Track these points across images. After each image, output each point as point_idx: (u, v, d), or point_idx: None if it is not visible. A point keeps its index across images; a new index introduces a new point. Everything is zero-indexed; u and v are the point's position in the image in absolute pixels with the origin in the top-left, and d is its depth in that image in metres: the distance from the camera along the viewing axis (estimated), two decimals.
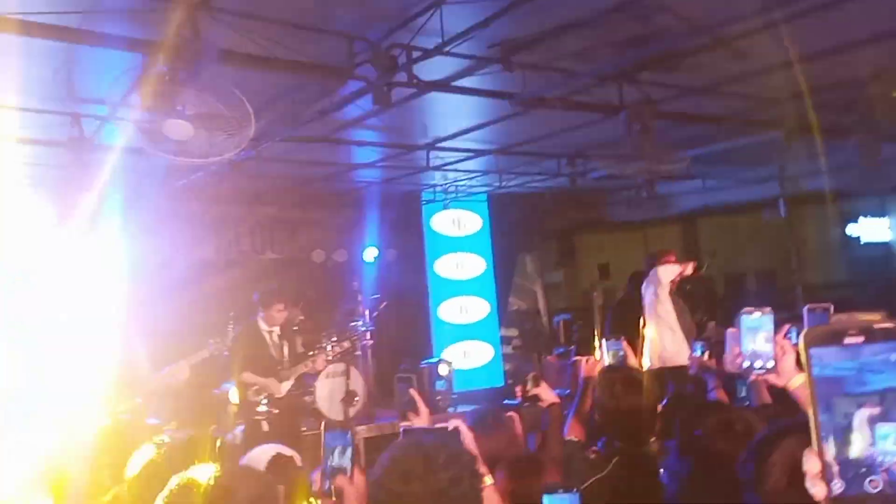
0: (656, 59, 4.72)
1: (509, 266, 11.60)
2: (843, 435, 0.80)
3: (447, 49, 3.97)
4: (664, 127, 5.85)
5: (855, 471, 0.79)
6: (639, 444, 2.57)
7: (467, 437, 2.25)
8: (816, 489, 0.80)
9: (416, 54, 4.11)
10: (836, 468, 0.79)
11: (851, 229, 9.88)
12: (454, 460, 1.75)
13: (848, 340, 0.81)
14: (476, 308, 10.20)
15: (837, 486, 0.79)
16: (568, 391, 8.87)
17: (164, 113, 3.24)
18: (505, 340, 10.91)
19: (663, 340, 6.07)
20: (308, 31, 3.95)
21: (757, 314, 2.19)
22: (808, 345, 0.83)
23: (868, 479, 0.78)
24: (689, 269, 6.25)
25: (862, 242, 9.83)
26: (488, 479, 2.15)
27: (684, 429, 2.26)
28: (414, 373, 8.21)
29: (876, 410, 0.79)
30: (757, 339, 2.17)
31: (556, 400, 3.11)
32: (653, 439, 2.63)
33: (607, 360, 3.28)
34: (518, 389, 3.15)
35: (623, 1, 3.85)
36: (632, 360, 3.28)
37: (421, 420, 2.67)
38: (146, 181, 7.43)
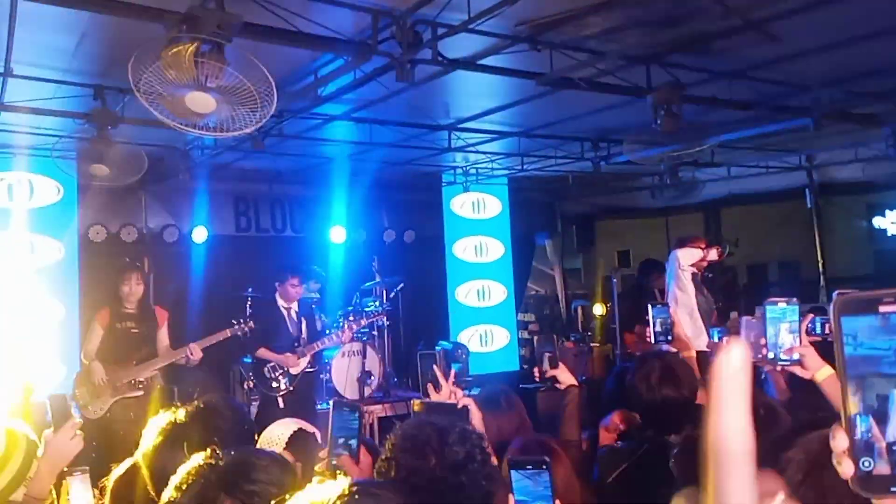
0: (686, 41, 4.61)
1: (528, 250, 11.55)
2: (874, 414, 0.74)
3: (473, 26, 3.90)
4: (692, 111, 5.75)
5: (885, 450, 0.74)
6: (668, 433, 2.51)
7: (476, 416, 2.23)
8: (844, 466, 0.76)
9: (441, 31, 4.05)
10: (865, 446, 0.74)
11: (878, 221, 9.70)
12: (467, 436, 1.73)
13: (883, 308, 0.75)
14: (494, 292, 10.17)
15: (866, 464, 0.74)
16: (585, 377, 8.89)
17: (187, 85, 3.21)
18: (521, 325, 10.89)
19: (681, 325, 5.98)
20: (332, 5, 3.89)
21: (782, 304, 2.13)
22: (840, 313, 0.77)
23: None
24: (712, 253, 6.13)
25: (889, 235, 9.66)
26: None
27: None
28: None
29: None
30: (781, 329, 2.12)
31: (574, 382, 3.07)
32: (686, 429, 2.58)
33: (655, 328, 3.20)
34: (536, 370, 3.11)
35: None
36: (679, 329, 3.20)
37: (441, 396, 2.64)
38: (167, 156, 7.46)
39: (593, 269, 12.50)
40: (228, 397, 4.19)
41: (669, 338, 3.16)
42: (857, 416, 0.75)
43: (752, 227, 10.67)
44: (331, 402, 2.13)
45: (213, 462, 1.36)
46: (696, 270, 6.18)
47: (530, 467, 1.60)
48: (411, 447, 1.66)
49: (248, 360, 7.63)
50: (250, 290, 8.13)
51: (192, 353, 5.76)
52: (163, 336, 5.96)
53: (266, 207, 9.49)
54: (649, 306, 3.24)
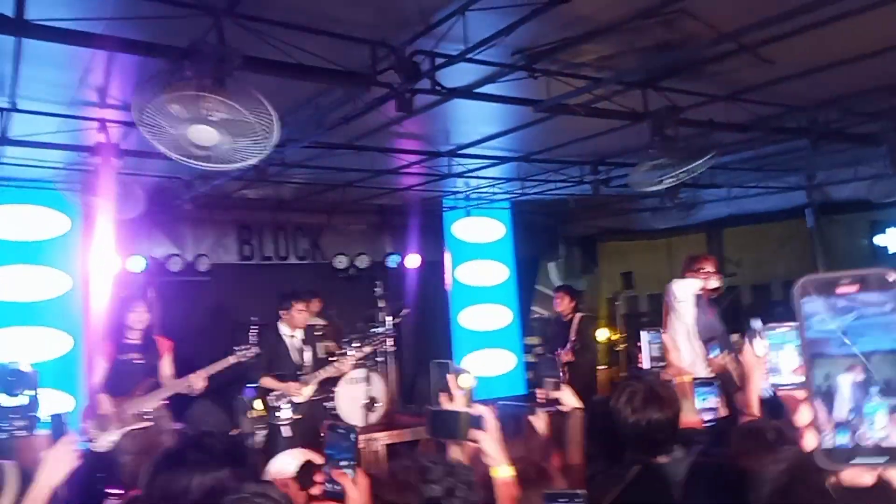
0: (681, 65, 4.68)
1: (531, 274, 11.56)
2: (834, 387, 0.79)
3: (470, 56, 3.96)
4: (689, 134, 5.80)
5: (846, 425, 0.78)
6: (656, 456, 2.51)
7: (491, 425, 2.23)
8: (807, 440, 0.80)
9: (439, 61, 4.11)
10: (827, 420, 0.79)
11: (880, 239, 9.70)
12: (449, 472, 1.79)
13: (841, 290, 0.79)
14: (498, 316, 10.17)
15: (828, 439, 0.79)
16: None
17: (190, 119, 3.26)
18: (527, 349, 10.87)
19: (676, 351, 5.91)
20: (331, 37, 3.96)
21: (782, 329, 2.16)
22: (801, 295, 0.82)
23: (858, 432, 0.77)
24: (712, 282, 5.95)
25: (890, 252, 9.65)
26: (501, 471, 2.15)
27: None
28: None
29: (861, 370, 0.78)
30: (781, 354, 2.14)
31: (579, 405, 3.07)
32: (674, 449, 2.58)
33: (650, 352, 3.21)
34: (539, 393, 3.10)
35: (647, 7, 3.82)
36: (672, 355, 3.20)
37: (453, 405, 2.65)
38: (170, 186, 7.53)
39: (597, 290, 12.50)
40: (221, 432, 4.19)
41: (662, 364, 3.17)
42: (819, 391, 0.80)
43: (754, 247, 10.68)
44: (325, 426, 2.13)
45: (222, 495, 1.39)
46: (700, 293, 6.13)
47: (564, 500, 1.64)
48: (392, 483, 1.73)
49: (252, 387, 7.64)
50: (255, 318, 8.15)
51: (194, 384, 5.76)
52: (166, 366, 5.97)
53: (269, 235, 9.55)
54: (642, 333, 3.26)
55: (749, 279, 10.91)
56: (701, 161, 5.12)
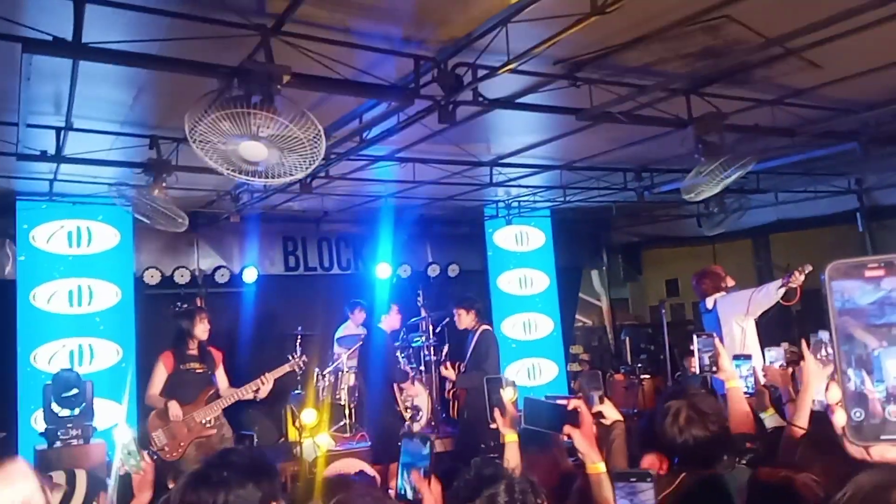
0: (726, 71, 4.63)
1: (574, 282, 11.50)
2: (863, 366, 0.81)
3: (512, 67, 3.98)
4: (735, 140, 5.72)
5: (875, 400, 0.80)
6: (706, 468, 2.49)
7: (587, 420, 2.25)
8: (837, 417, 0.83)
9: (481, 73, 4.14)
10: (856, 397, 0.81)
11: None
12: (513, 486, 1.83)
13: (869, 273, 0.84)
14: (540, 325, 10.13)
15: (857, 415, 0.81)
16: (635, 409, 8.70)
17: (239, 135, 3.34)
18: (571, 358, 10.80)
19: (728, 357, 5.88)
20: (375, 52, 4.02)
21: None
22: (831, 278, 0.86)
23: (888, 408, 0.79)
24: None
25: None
26: (597, 467, 2.20)
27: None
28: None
29: (888, 349, 0.80)
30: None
31: (620, 417, 3.07)
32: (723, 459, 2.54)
33: (702, 359, 3.18)
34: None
35: (691, 14, 3.80)
36: (725, 361, 3.17)
37: (506, 422, 2.68)
38: (218, 200, 7.69)
39: (641, 298, 12.38)
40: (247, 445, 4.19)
41: (714, 369, 3.13)
42: (849, 369, 0.82)
43: (802, 253, 10.44)
44: (400, 435, 2.21)
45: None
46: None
47: (634, 480, 1.65)
48: (465, 490, 1.77)
49: (297, 395, 7.75)
50: (300, 328, 8.28)
51: (263, 383, 5.84)
52: (221, 376, 6.06)
53: (314, 246, 9.70)
54: (694, 337, 3.22)
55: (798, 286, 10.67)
56: (743, 164, 5.04)
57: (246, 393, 5.87)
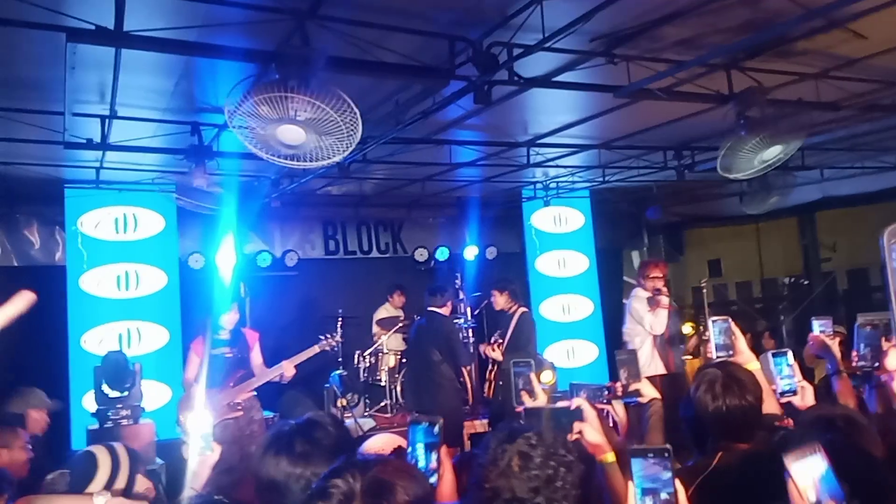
0: (767, 45, 4.52)
1: (614, 263, 11.40)
2: None
3: (548, 45, 3.95)
4: (776, 115, 5.60)
5: None
6: (738, 442, 2.46)
7: (591, 415, 2.26)
8: None
9: (516, 51, 4.12)
10: None
11: None
12: (551, 457, 1.80)
13: None
14: (579, 306, 10.08)
15: None
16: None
17: (278, 119, 3.39)
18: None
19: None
20: (410, 33, 4.03)
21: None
22: (891, 240, 0.86)
23: None
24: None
25: None
26: (607, 457, 2.20)
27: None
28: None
29: None
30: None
31: (657, 395, 3.05)
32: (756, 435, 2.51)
33: (717, 341, 3.14)
34: (618, 385, 3.10)
35: None
36: (740, 343, 3.11)
37: (537, 403, 2.69)
38: (259, 185, 7.80)
39: (683, 279, 12.23)
40: (333, 415, 4.30)
41: (731, 352, 3.08)
42: None
43: (850, 231, 10.22)
44: (408, 418, 2.16)
45: (355, 470, 1.41)
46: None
47: (651, 456, 1.65)
48: (496, 471, 1.77)
49: (336, 376, 7.86)
50: (340, 310, 8.40)
51: (285, 371, 5.97)
52: (256, 356, 6.21)
53: (353, 230, 9.79)
54: (710, 321, 3.19)
55: (844, 264, 10.45)
56: (793, 143, 4.95)
57: (274, 376, 6.01)
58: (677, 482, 1.63)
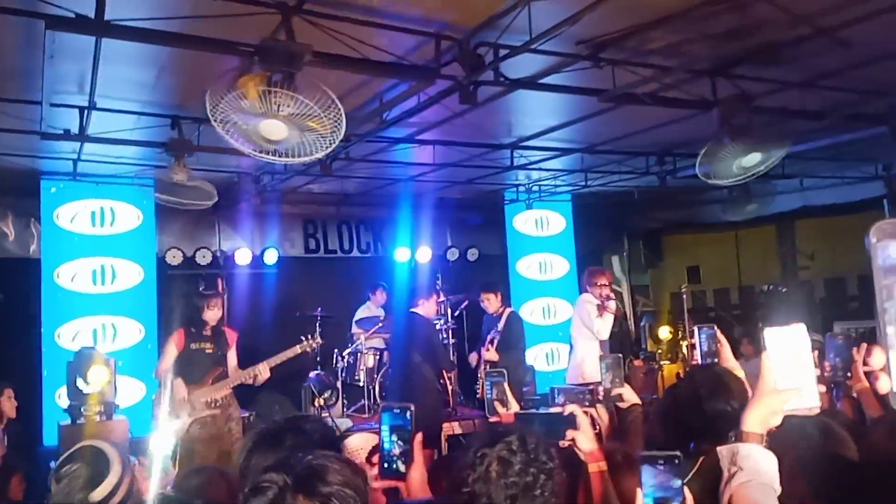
0: (752, 52, 4.54)
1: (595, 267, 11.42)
2: None
3: (534, 46, 3.93)
4: (760, 123, 5.63)
5: None
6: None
7: (584, 423, 2.24)
8: (881, 383, 0.82)
9: (503, 52, 4.10)
10: None
11: None
12: (530, 464, 1.80)
13: None
14: (559, 310, 10.09)
15: None
16: (654, 395, 8.69)
17: (260, 114, 3.34)
18: None
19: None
20: (396, 31, 3.99)
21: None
22: (877, 238, 0.86)
23: None
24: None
25: None
26: (597, 466, 2.21)
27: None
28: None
29: None
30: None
31: (638, 401, 3.06)
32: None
33: (702, 348, 3.16)
34: (600, 389, 3.11)
35: None
36: (726, 350, 3.13)
37: (507, 416, 2.67)
38: (239, 182, 7.72)
39: (662, 285, 12.29)
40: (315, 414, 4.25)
41: (716, 359, 3.10)
42: (889, 327, 0.80)
43: (828, 240, 10.32)
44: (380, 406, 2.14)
45: (289, 465, 1.41)
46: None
47: (661, 463, 1.62)
48: (474, 475, 1.76)
49: (315, 376, 7.80)
50: (319, 309, 8.33)
51: (259, 373, 5.86)
52: (231, 356, 6.10)
53: (334, 229, 9.73)
54: (696, 328, 3.21)
55: (822, 273, 10.55)
56: (776, 152, 4.97)
57: (247, 378, 5.91)
58: (687, 491, 1.60)
